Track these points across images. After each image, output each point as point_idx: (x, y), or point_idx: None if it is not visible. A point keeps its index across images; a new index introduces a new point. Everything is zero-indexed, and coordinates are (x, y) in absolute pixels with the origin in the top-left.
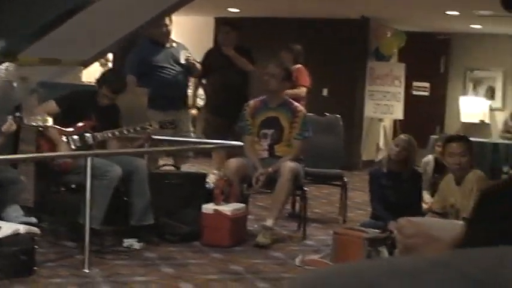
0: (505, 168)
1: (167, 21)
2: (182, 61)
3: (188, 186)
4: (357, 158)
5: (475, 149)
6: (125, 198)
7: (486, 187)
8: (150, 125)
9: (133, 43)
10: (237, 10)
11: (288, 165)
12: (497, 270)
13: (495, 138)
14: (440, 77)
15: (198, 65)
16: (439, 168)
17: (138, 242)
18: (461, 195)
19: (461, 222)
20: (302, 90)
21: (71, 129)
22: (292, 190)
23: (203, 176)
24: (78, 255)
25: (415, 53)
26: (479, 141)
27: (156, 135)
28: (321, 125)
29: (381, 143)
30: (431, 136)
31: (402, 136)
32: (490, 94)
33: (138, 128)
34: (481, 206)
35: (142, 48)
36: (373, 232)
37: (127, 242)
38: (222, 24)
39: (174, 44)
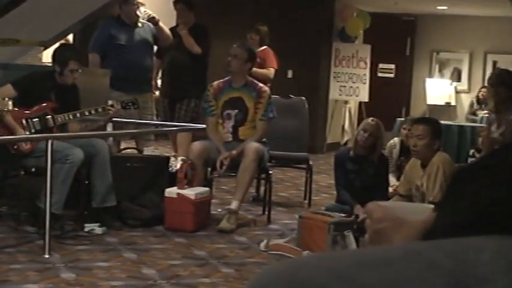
0: (471, 151)
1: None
2: (148, 36)
3: (151, 170)
4: (321, 141)
5: None
6: (86, 182)
7: (456, 169)
8: (112, 106)
9: (95, 24)
10: None
11: (253, 146)
12: (468, 261)
13: (461, 120)
14: (406, 59)
15: (166, 30)
16: (405, 151)
17: (100, 226)
18: (427, 178)
19: (430, 206)
20: (270, 72)
21: (30, 111)
22: (256, 172)
23: (166, 160)
24: (38, 241)
25: (380, 35)
26: (445, 124)
27: (119, 117)
28: (286, 107)
29: (346, 126)
30: (397, 119)
31: (370, 120)
32: (456, 76)
33: (100, 109)
34: (451, 189)
35: (107, 27)
36: (339, 216)
37: (88, 226)
38: (178, 2)
39: (140, 24)
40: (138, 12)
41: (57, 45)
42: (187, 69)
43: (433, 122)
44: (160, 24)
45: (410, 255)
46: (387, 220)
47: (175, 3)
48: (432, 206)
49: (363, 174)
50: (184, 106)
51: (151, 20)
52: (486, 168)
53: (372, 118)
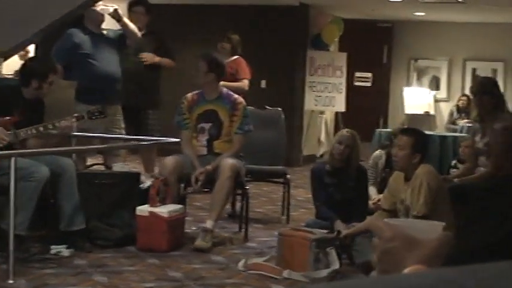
0: (453, 162)
1: (100, 6)
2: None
3: (121, 187)
4: (297, 153)
5: None
6: (52, 201)
7: (473, 187)
8: (82, 117)
9: (58, 33)
10: None
11: (228, 162)
12: None
13: (440, 130)
14: (383, 67)
15: (132, 25)
16: (390, 163)
17: (67, 248)
18: (411, 191)
19: (439, 223)
20: (244, 84)
21: None
22: (232, 188)
23: (137, 176)
24: (2, 265)
25: (356, 42)
26: (427, 134)
27: (85, 130)
28: (262, 119)
29: (322, 137)
30: (377, 130)
31: (345, 132)
32: (435, 84)
33: (64, 122)
34: (473, 209)
35: (71, 36)
36: (320, 232)
37: (55, 248)
38: (135, 4)
39: (106, 32)
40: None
41: (19, 60)
42: (141, 77)
43: (417, 134)
44: (124, 19)
45: (444, 283)
46: (397, 239)
47: (131, 5)
48: (442, 224)
49: (342, 188)
50: (150, 116)
51: (114, 14)
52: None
53: (346, 129)
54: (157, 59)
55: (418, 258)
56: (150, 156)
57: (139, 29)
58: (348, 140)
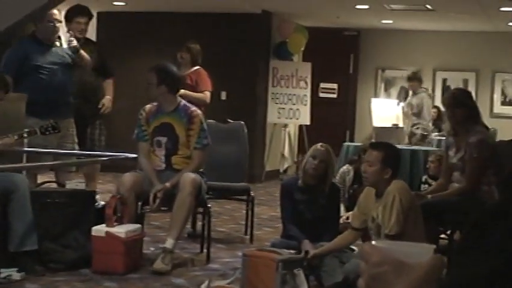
0: (424, 177)
1: (53, 16)
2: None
3: (75, 206)
4: (259, 169)
5: None
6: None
7: (476, 214)
8: (34, 131)
9: (7, 42)
10: (123, 3)
11: (189, 177)
12: None
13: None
14: (349, 78)
15: (87, 56)
16: (359, 178)
17: (18, 271)
18: (382, 208)
19: (428, 245)
20: (206, 96)
21: None
22: (194, 205)
23: (92, 194)
24: None
25: (321, 52)
26: (398, 148)
27: (36, 146)
28: (223, 132)
29: (286, 152)
30: (344, 143)
31: (319, 146)
32: (404, 95)
33: (16, 137)
34: (471, 236)
35: (22, 46)
36: (287, 253)
37: (5, 272)
38: (78, 14)
39: (58, 43)
40: (61, 34)
41: None
42: (95, 90)
43: (387, 148)
44: (81, 52)
45: None
46: (386, 263)
47: (74, 15)
48: (433, 246)
49: (314, 206)
50: (97, 131)
51: (73, 48)
52: (506, 214)
53: (320, 144)
54: (109, 99)
55: (408, 284)
56: (92, 172)
57: (78, 40)
58: (323, 155)
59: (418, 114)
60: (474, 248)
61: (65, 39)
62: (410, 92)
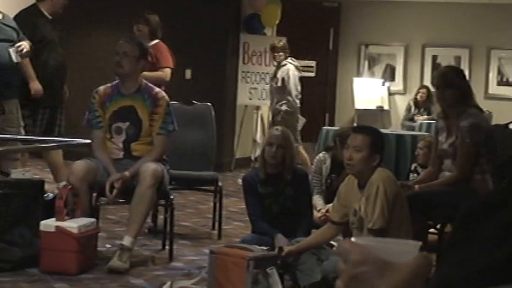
0: (413, 165)
1: None
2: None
3: (21, 198)
4: (229, 156)
5: None
6: None
7: (465, 208)
8: None
9: None
10: None
11: (150, 168)
12: None
13: (396, 127)
14: (328, 54)
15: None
16: (337, 167)
17: None
18: (365, 200)
19: (414, 242)
20: (166, 73)
21: None
22: (154, 199)
23: (40, 184)
24: None
25: (297, 25)
26: (383, 133)
27: None
28: (188, 116)
29: (258, 137)
30: (323, 128)
31: (274, 131)
32: (390, 74)
33: None
34: (461, 232)
35: None
36: (259, 250)
37: None
38: None
39: (1, 16)
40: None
41: None
42: (64, 72)
43: (375, 132)
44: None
45: None
46: (368, 263)
47: None
48: (419, 243)
49: (280, 197)
50: (63, 116)
51: (20, 53)
52: (502, 205)
53: (276, 127)
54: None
55: (392, 286)
56: (56, 161)
57: (54, 14)
58: (279, 139)
59: (283, 89)
60: (466, 243)
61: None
62: (275, 63)
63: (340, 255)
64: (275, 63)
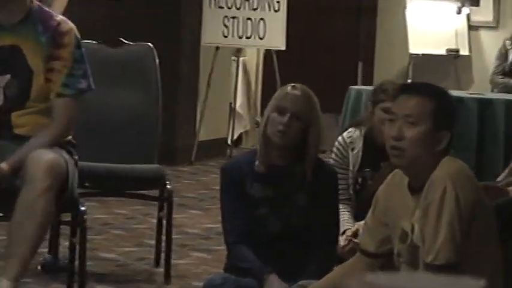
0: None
1: None
2: None
3: None
4: (186, 139)
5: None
6: None
7: None
8: None
9: None
10: None
11: (44, 158)
12: None
13: (480, 86)
14: None
15: None
16: (373, 156)
17: None
18: (422, 215)
19: (475, 282)
20: None
21: None
22: (52, 212)
23: None
24: None
25: None
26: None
27: None
28: (114, 65)
29: (239, 104)
30: (351, 87)
31: (289, 89)
32: None
33: None
34: None
35: None
36: None
37: None
38: None
39: None
40: None
41: None
42: None
43: (442, 94)
44: None
45: None
46: None
47: None
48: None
49: (286, 207)
50: None
51: None
52: None
53: (292, 84)
54: None
55: None
56: None
57: None
58: (298, 104)
59: None
60: None
61: None
62: None
63: None
64: None
